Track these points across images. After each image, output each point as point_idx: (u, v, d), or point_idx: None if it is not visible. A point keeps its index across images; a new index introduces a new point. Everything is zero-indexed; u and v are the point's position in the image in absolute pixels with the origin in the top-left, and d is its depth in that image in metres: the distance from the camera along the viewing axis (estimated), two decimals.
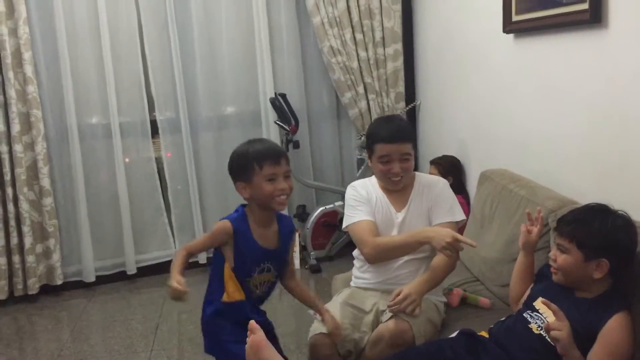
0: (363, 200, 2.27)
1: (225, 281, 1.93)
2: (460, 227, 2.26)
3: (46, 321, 3.52)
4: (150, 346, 3.10)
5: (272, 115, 4.01)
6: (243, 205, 1.99)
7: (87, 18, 3.70)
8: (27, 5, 3.51)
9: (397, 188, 2.26)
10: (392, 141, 2.17)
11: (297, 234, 2.24)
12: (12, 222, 3.60)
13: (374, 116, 3.94)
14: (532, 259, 2.00)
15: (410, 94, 4.07)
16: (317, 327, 2.09)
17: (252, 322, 1.75)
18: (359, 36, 3.89)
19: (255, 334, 1.74)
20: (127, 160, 3.94)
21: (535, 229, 1.96)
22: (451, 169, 3.41)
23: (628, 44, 2.01)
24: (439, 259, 2.13)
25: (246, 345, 1.73)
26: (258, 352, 1.68)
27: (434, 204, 2.25)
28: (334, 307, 2.20)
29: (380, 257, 2.20)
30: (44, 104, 3.67)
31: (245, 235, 1.93)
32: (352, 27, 3.88)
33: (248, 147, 1.95)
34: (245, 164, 1.91)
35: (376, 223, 2.23)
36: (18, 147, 3.56)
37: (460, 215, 2.26)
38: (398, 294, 2.04)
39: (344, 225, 2.30)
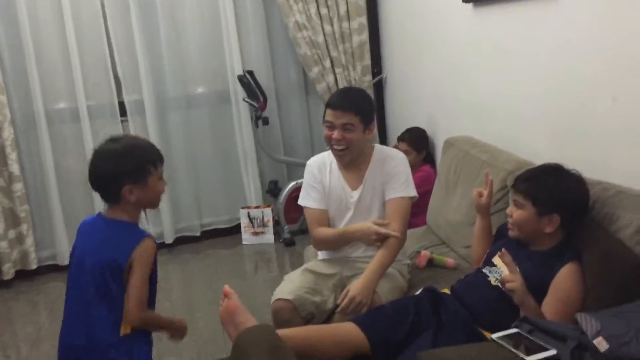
0: (315, 183, 2.29)
1: None
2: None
3: (22, 305, 3.53)
4: None
5: (240, 92, 4.04)
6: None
7: (49, 1, 3.65)
8: None
9: (343, 162, 2.24)
10: (335, 108, 2.15)
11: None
12: None
13: None
14: (488, 221, 2.09)
15: (377, 66, 4.12)
16: (278, 293, 2.15)
17: (226, 287, 1.82)
18: (323, 10, 3.91)
19: (230, 299, 1.81)
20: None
21: (485, 192, 2.05)
22: (421, 142, 3.44)
23: (575, 14, 2.12)
24: (383, 249, 2.14)
25: (220, 309, 1.81)
26: (233, 316, 1.75)
27: (387, 180, 2.23)
28: (295, 274, 2.27)
29: (320, 248, 2.37)
30: (9, 90, 3.65)
31: None
32: (317, 2, 3.89)
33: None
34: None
35: (329, 205, 2.28)
36: None
37: (413, 192, 2.24)
38: (346, 294, 2.04)
39: (299, 201, 2.35)
